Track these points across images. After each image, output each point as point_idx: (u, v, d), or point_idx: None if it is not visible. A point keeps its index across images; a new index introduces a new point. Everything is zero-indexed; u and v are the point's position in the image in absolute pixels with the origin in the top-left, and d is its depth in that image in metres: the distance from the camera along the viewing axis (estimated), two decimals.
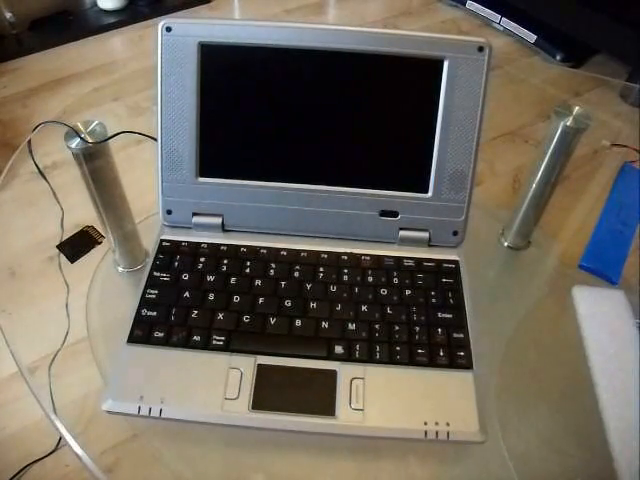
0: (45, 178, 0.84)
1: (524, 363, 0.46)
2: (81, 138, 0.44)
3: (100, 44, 1.53)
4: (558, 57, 1.46)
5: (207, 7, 1.70)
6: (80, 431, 0.44)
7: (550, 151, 0.47)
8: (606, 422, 0.41)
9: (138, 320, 0.38)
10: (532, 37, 1.50)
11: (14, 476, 0.74)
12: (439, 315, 0.40)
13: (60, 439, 0.75)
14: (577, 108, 0.45)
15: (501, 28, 1.57)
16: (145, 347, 0.37)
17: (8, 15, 1.46)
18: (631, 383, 0.43)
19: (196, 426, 0.41)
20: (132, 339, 0.38)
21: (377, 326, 0.39)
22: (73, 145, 0.44)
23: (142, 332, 0.38)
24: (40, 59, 1.47)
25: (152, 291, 0.40)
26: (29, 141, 0.70)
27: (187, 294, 0.39)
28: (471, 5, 1.62)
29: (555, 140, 0.46)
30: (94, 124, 0.47)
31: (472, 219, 0.44)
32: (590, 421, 0.42)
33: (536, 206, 0.51)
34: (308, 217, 0.43)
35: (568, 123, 0.45)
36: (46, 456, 0.75)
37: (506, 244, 0.56)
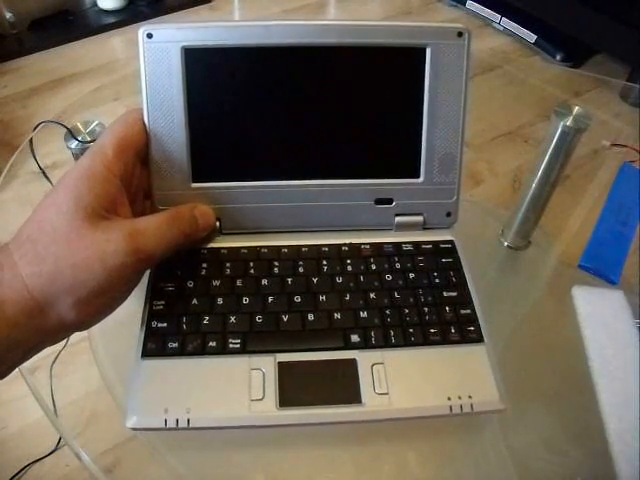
0: (47, 177, 0.84)
1: (524, 363, 0.46)
2: (79, 139, 0.44)
3: (100, 44, 1.53)
4: (558, 57, 1.46)
5: (207, 7, 1.70)
6: (80, 431, 0.44)
7: (550, 151, 0.47)
8: (606, 422, 0.41)
9: (149, 333, 0.37)
10: (532, 37, 1.50)
11: (14, 476, 0.74)
12: (444, 294, 0.41)
13: (60, 439, 0.75)
14: (577, 108, 0.45)
15: (501, 28, 1.57)
16: (161, 359, 0.36)
17: (8, 15, 1.46)
18: (631, 383, 0.43)
19: None
20: (146, 353, 0.37)
21: (388, 311, 0.39)
22: (73, 145, 0.44)
23: (156, 345, 0.37)
24: (40, 59, 1.47)
25: (159, 302, 0.39)
26: (30, 140, 0.70)
27: (195, 301, 0.39)
28: (471, 5, 1.62)
29: (555, 140, 0.46)
30: (94, 124, 0.47)
31: (472, 219, 0.44)
32: (590, 421, 0.42)
33: (536, 206, 0.51)
34: (305, 212, 0.43)
35: (568, 123, 0.45)
36: (46, 456, 0.76)
37: (506, 244, 0.56)
